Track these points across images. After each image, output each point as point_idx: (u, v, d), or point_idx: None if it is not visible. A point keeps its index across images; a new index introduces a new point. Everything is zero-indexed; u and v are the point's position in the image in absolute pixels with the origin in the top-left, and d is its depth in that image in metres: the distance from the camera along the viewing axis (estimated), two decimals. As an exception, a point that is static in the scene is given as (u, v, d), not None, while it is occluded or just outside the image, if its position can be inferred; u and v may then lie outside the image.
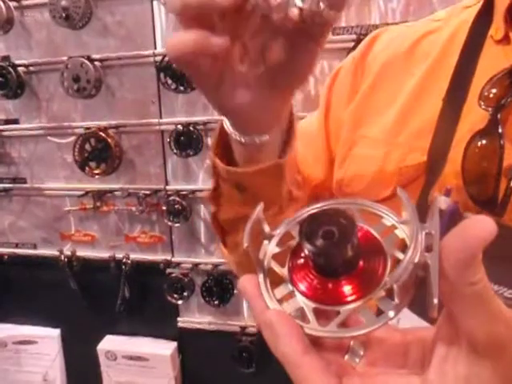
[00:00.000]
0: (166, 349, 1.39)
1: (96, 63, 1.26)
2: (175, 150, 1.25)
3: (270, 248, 0.26)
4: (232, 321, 1.37)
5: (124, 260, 1.37)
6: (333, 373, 0.23)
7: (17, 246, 1.49)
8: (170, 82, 1.21)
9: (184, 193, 1.30)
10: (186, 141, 1.24)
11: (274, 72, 0.33)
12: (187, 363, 1.44)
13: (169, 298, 1.35)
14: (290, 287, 0.24)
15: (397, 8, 1.11)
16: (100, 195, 1.36)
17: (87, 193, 1.36)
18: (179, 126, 1.24)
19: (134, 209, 1.35)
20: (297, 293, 0.24)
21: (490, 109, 0.39)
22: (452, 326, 0.23)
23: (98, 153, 1.30)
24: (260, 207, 0.25)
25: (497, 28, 0.44)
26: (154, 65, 1.23)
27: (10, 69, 1.30)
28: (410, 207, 0.24)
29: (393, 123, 0.48)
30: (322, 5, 0.26)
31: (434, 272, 0.21)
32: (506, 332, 0.22)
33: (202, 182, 1.31)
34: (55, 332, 1.50)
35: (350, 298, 0.23)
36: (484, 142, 0.39)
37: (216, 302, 1.33)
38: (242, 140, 0.38)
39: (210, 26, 0.29)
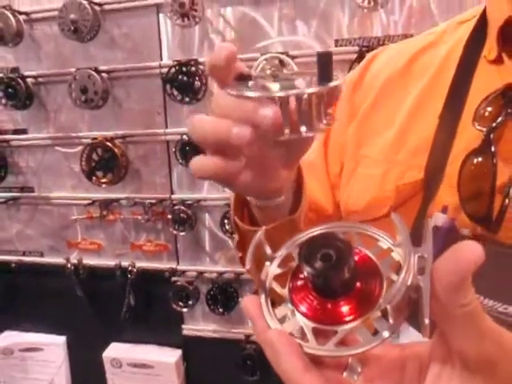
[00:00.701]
0: (170, 356, 1.40)
1: (103, 75, 1.28)
2: (180, 160, 1.27)
3: (272, 269, 0.27)
4: (236, 329, 1.38)
5: (130, 268, 1.39)
6: None
7: (24, 253, 1.51)
8: (175, 93, 1.23)
9: (189, 202, 1.31)
10: (192, 151, 1.25)
11: (281, 155, 0.37)
12: (192, 371, 1.45)
13: (174, 306, 1.37)
14: (291, 307, 0.26)
15: (399, 20, 1.12)
16: (106, 204, 1.38)
17: (94, 202, 1.38)
18: (184, 137, 1.26)
19: (139, 217, 1.36)
20: (297, 313, 0.25)
21: (484, 129, 0.40)
22: (445, 344, 0.24)
23: (105, 162, 1.32)
24: (261, 231, 0.27)
25: (490, 48, 0.45)
26: (160, 76, 1.26)
27: (20, 80, 1.33)
28: (403, 231, 0.25)
29: (391, 142, 0.49)
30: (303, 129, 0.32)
31: (425, 294, 0.23)
32: (495, 349, 0.23)
33: (207, 192, 1.33)
34: (61, 339, 1.52)
35: (347, 318, 0.24)
36: (478, 160, 0.40)
37: (221, 310, 1.35)
38: (259, 203, 0.42)
39: (227, 153, 0.35)
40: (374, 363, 0.26)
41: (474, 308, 0.23)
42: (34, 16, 1.32)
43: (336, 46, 1.16)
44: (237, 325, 1.38)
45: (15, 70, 1.37)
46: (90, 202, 1.38)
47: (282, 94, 0.31)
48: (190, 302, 1.36)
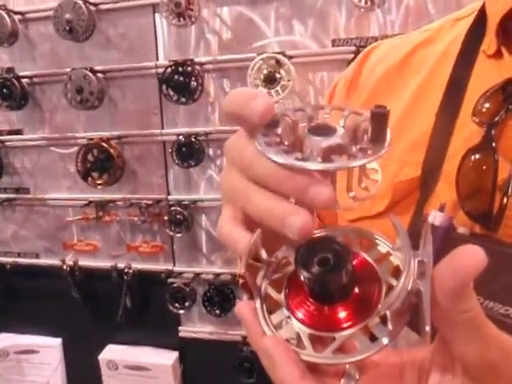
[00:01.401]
0: (167, 358, 1.40)
1: (99, 75, 1.27)
2: (177, 161, 1.26)
3: (267, 274, 0.27)
4: (233, 330, 1.37)
5: (126, 269, 1.38)
6: None
7: (19, 255, 1.50)
8: (171, 93, 1.23)
9: (185, 203, 1.31)
10: (188, 151, 1.25)
11: None
12: (188, 373, 1.44)
13: (170, 308, 1.36)
14: (286, 313, 0.25)
15: (396, 20, 1.12)
16: (102, 205, 1.37)
17: (90, 203, 1.37)
18: (181, 137, 1.25)
19: (135, 219, 1.35)
20: (293, 319, 0.25)
21: (484, 125, 0.39)
22: (446, 351, 0.24)
23: (101, 163, 1.31)
24: (257, 233, 0.26)
25: (489, 43, 0.44)
26: (156, 76, 1.25)
27: (14, 80, 1.32)
28: (402, 234, 0.25)
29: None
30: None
31: (426, 299, 0.22)
32: (498, 355, 0.23)
33: (204, 192, 1.32)
34: (57, 341, 1.51)
35: (345, 325, 0.24)
36: (478, 156, 0.39)
37: (217, 312, 1.34)
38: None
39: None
40: (371, 370, 0.26)
41: (476, 313, 0.22)
42: (28, 16, 1.31)
43: (333, 45, 1.15)
44: (234, 327, 1.37)
45: (10, 70, 1.36)
46: (85, 203, 1.37)
47: (340, 164, 0.25)
48: (187, 304, 1.35)
